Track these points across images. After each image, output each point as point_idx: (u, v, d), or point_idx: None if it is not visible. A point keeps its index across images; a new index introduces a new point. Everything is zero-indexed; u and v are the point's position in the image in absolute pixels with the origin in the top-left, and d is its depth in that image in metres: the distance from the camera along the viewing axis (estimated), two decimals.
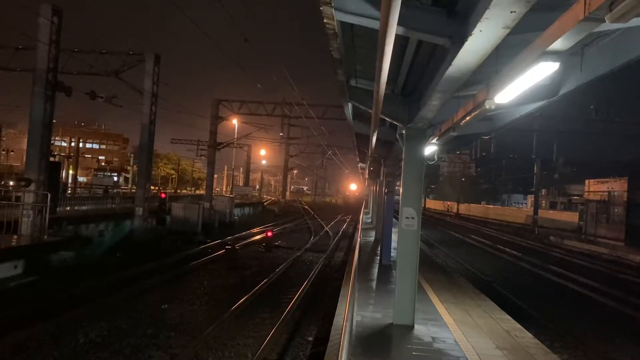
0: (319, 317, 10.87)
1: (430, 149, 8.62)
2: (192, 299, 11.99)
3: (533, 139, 44.89)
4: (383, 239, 15.48)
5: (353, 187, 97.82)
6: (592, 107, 33.82)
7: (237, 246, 20.77)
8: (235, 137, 42.63)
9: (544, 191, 65.41)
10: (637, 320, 12.51)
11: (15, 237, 14.62)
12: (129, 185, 59.51)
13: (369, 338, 7.27)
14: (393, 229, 15.17)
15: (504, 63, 4.81)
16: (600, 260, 24.39)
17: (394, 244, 14.01)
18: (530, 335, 7.89)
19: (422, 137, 8.39)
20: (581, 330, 11.03)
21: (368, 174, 32.77)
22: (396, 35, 3.64)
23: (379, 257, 15.58)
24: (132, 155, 64.57)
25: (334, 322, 7.45)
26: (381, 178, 22.52)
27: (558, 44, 3.30)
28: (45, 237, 14.98)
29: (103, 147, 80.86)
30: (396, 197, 16.35)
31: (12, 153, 59.88)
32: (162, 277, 14.04)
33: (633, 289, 16.39)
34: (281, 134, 37.30)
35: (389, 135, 12.80)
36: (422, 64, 7.13)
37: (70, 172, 46.18)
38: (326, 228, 34.79)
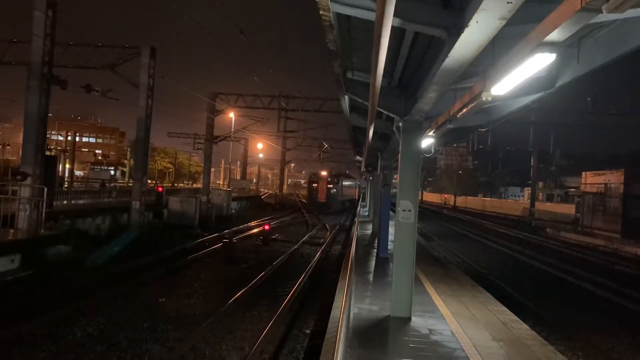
0: (316, 309, 10.89)
1: (427, 142, 8.60)
2: (189, 292, 12.00)
3: (530, 131, 45.04)
4: (380, 232, 15.51)
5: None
6: (588, 99, 33.91)
7: (234, 239, 20.74)
8: (232, 130, 42.50)
9: (540, 184, 65.63)
10: (633, 311, 12.59)
11: (12, 231, 14.59)
12: (126, 179, 59.28)
13: (366, 330, 7.29)
14: (390, 222, 15.20)
15: (501, 55, 4.79)
16: (596, 252, 24.50)
17: (391, 237, 14.05)
18: (526, 326, 7.93)
19: (418, 130, 8.37)
20: (578, 321, 11.08)
21: (365, 167, 32.75)
22: (392, 27, 3.62)
23: (376, 250, 15.62)
24: (128, 149, 64.32)
25: (331, 315, 7.46)
26: (378, 171, 22.53)
27: (555, 35, 3.28)
28: (42, 231, 14.96)
29: (99, 141, 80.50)
30: (393, 190, 16.38)
31: (8, 147, 59.55)
32: (159, 271, 14.03)
33: (629, 280, 16.49)
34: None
35: (385, 128, 12.77)
36: (418, 56, 7.10)
37: (67, 166, 45.99)
38: (323, 221, 34.81)
